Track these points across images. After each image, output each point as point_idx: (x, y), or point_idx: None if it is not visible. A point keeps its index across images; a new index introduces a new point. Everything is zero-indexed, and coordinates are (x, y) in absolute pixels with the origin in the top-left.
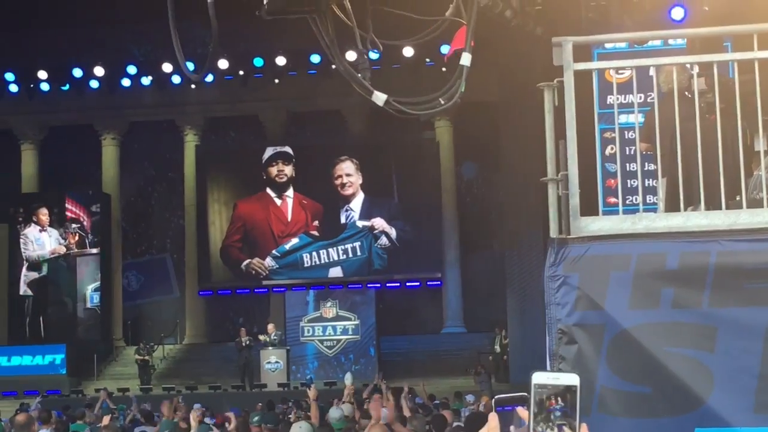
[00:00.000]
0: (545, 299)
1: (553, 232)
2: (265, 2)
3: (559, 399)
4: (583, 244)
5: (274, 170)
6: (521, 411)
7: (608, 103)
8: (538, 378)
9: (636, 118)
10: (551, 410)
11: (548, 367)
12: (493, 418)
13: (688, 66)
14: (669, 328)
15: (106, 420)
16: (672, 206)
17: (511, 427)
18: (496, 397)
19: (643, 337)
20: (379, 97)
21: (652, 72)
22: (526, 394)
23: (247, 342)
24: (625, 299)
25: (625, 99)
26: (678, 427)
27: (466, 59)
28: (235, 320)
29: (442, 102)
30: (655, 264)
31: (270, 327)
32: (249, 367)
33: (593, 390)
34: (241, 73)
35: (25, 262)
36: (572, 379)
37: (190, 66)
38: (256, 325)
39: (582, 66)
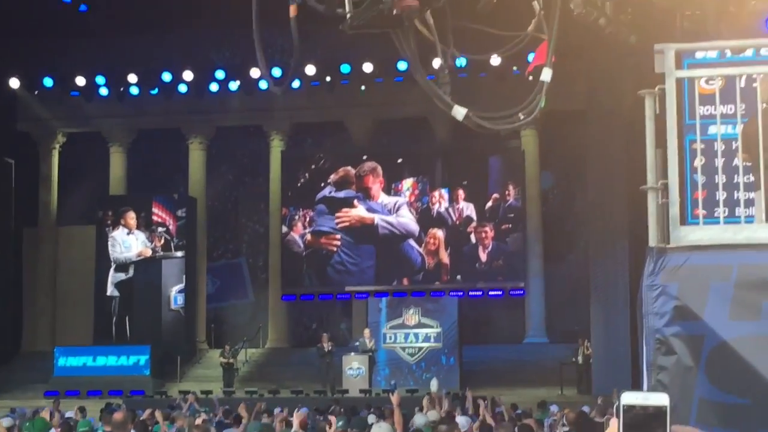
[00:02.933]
0: (642, 309)
1: (653, 241)
2: (347, 17)
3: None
4: (682, 253)
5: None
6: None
7: (698, 114)
8: (627, 398)
9: (718, 129)
10: None
11: (645, 378)
12: (614, 423)
13: None
14: None
15: (198, 420)
16: None
17: None
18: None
19: (743, 348)
20: (459, 112)
21: (743, 83)
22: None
23: (329, 348)
24: (725, 310)
25: (714, 110)
26: None
27: (546, 75)
28: (308, 324)
29: (522, 117)
30: (756, 275)
31: (366, 332)
32: (331, 372)
33: (691, 401)
34: (328, 79)
35: (112, 263)
36: (662, 399)
37: (277, 73)
38: (329, 330)
39: (683, 74)
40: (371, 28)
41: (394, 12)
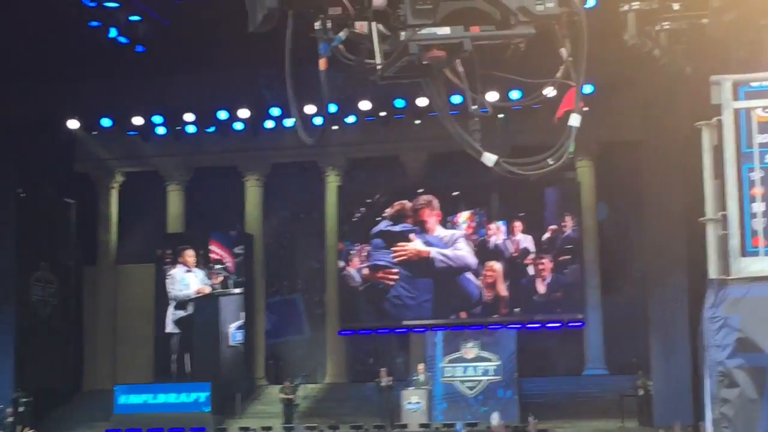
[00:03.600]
0: (705, 341)
1: (713, 273)
2: (378, 68)
3: None
4: (743, 285)
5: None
6: None
7: (756, 142)
8: None
9: None
10: None
11: (709, 410)
12: None
13: None
14: None
15: None
16: None
17: None
18: None
19: None
20: (489, 159)
21: None
22: None
23: (388, 382)
24: None
25: None
26: None
27: (575, 120)
28: (364, 359)
29: (551, 162)
30: None
31: (420, 367)
32: (389, 407)
33: None
34: (383, 114)
35: (171, 301)
36: None
37: (332, 108)
38: (386, 364)
39: (741, 104)
40: (402, 78)
41: (423, 62)
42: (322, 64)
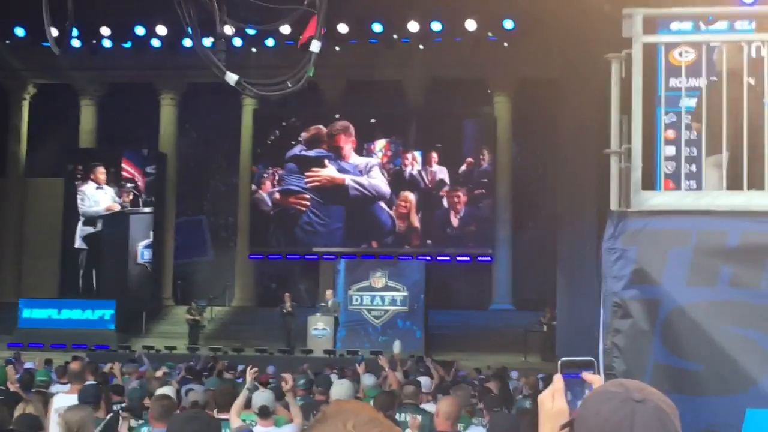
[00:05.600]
0: (602, 271)
1: (614, 205)
2: None
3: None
4: (642, 218)
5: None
6: (587, 376)
7: (671, 86)
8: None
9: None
10: None
11: (601, 340)
12: (559, 380)
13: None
14: (726, 306)
15: (159, 373)
16: (734, 186)
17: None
18: (561, 359)
19: (698, 314)
20: (231, 78)
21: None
22: (592, 359)
23: (289, 308)
24: (683, 275)
25: (688, 83)
26: (729, 406)
27: (315, 46)
28: (267, 285)
29: (290, 85)
30: (715, 241)
31: (328, 293)
32: (292, 332)
33: (646, 365)
34: (289, 43)
35: (80, 217)
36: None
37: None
38: (289, 290)
39: (650, 39)
40: None
41: None
42: None
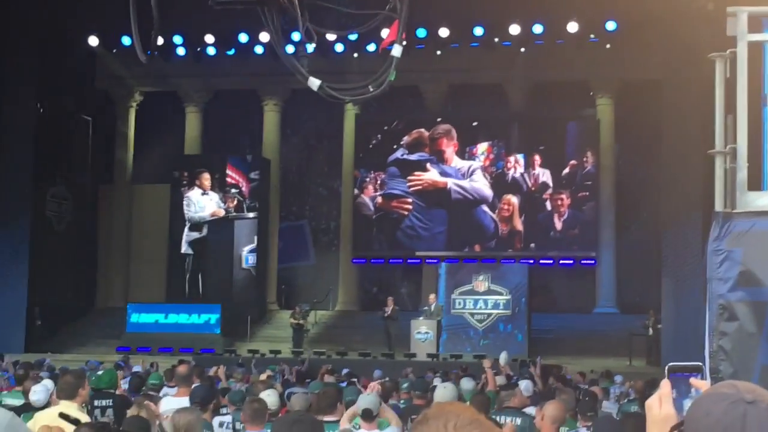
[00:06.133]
0: (707, 274)
1: (719, 206)
2: None
3: None
4: (748, 219)
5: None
6: (695, 381)
7: None
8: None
9: None
10: None
11: (707, 343)
12: (666, 385)
13: None
14: None
15: (263, 377)
16: None
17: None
18: (669, 364)
19: None
20: (314, 83)
21: None
22: (700, 364)
23: (391, 313)
24: None
25: None
26: None
27: (397, 51)
28: (368, 290)
29: (371, 89)
30: None
31: (431, 297)
32: (393, 336)
33: (753, 368)
34: (404, 43)
35: (186, 222)
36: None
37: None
38: (390, 294)
39: (756, 37)
40: (237, 4)
41: None
42: None
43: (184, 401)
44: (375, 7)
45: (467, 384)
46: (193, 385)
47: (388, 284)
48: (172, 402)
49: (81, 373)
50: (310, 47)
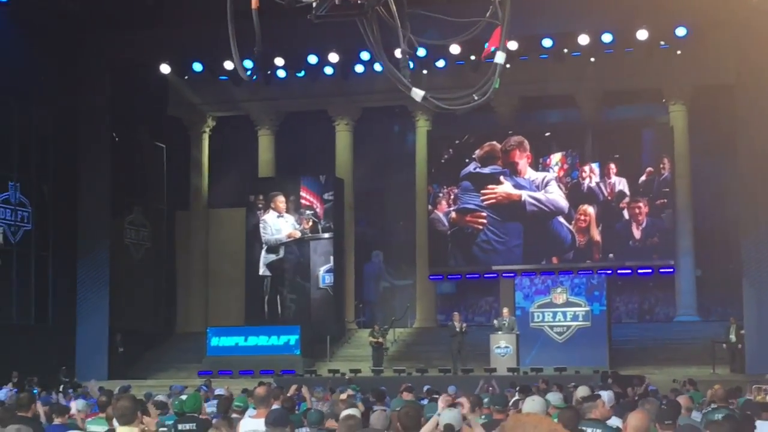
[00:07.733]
0: None
1: None
2: (313, 7)
3: None
4: None
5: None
6: None
7: None
8: None
9: None
10: None
11: None
12: None
13: None
14: None
15: (343, 396)
16: None
17: None
18: None
19: None
20: (417, 94)
21: None
22: None
23: (460, 327)
24: None
25: None
26: None
27: (500, 57)
28: (441, 308)
29: (476, 98)
30: None
31: (505, 311)
32: (462, 351)
33: None
34: (473, 57)
35: (263, 245)
36: None
37: (421, 52)
38: (467, 309)
39: None
40: (336, 17)
41: (358, 0)
42: (254, 2)
43: (262, 423)
44: (474, 15)
45: (553, 397)
46: (272, 407)
47: (463, 299)
48: (250, 423)
49: (136, 398)
50: (411, 63)
